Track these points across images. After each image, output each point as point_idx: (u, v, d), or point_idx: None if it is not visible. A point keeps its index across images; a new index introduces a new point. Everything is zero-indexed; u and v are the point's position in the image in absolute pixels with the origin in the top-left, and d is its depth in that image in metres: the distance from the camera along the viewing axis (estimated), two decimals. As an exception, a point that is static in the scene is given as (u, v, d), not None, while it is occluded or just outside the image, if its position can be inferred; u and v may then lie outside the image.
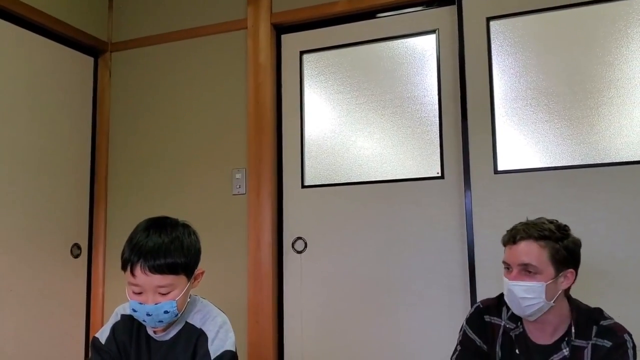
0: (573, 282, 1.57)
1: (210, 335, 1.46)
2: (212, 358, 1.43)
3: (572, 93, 2.36)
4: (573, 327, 1.52)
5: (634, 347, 1.47)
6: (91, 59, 3.17)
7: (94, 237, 3.10)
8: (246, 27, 2.89)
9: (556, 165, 2.34)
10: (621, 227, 2.22)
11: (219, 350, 1.44)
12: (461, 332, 1.68)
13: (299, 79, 2.85)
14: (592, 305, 2.17)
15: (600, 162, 2.28)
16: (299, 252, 2.73)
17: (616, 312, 2.16)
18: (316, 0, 2.79)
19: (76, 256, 2.98)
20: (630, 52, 2.29)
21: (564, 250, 1.52)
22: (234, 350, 1.47)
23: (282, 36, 2.91)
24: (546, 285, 1.50)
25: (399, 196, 2.58)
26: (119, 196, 3.11)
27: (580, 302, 1.60)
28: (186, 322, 1.50)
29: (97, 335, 1.56)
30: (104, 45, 3.19)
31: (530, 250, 1.52)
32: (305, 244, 2.73)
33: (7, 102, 2.66)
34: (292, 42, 2.89)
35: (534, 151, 2.39)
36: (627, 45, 2.30)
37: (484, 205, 2.39)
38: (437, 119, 2.57)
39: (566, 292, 1.58)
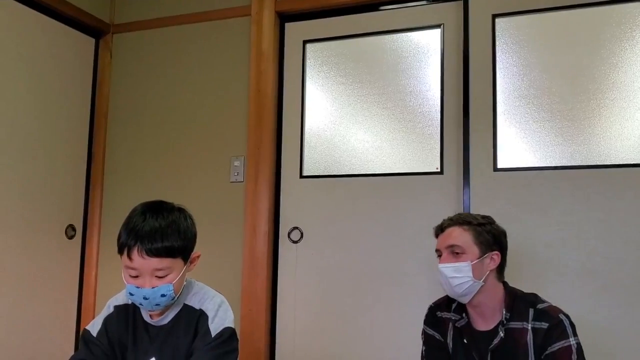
0: (502, 266, 1.68)
1: (210, 314, 1.47)
2: (212, 335, 1.44)
3: (575, 93, 2.35)
4: (504, 310, 1.62)
5: (572, 324, 1.56)
6: (92, 40, 3.15)
7: (89, 219, 3.08)
8: (250, 14, 2.87)
9: (555, 165, 2.34)
10: (617, 229, 2.22)
11: (219, 327, 1.45)
12: (423, 334, 1.81)
13: (301, 69, 2.83)
14: (586, 305, 2.19)
15: (599, 164, 2.28)
16: (295, 242, 2.73)
17: (609, 314, 2.18)
18: (321, -10, 2.77)
19: (71, 237, 2.97)
20: (635, 55, 2.29)
21: (486, 233, 1.66)
22: (233, 327, 1.48)
23: (286, 24, 2.89)
24: (472, 264, 1.62)
25: (397, 190, 2.58)
26: (115, 179, 3.09)
27: (517, 289, 1.69)
28: (184, 304, 1.50)
29: (87, 327, 1.55)
30: (106, 26, 3.16)
31: (455, 233, 1.67)
32: (302, 234, 2.72)
33: (6, 80, 2.64)
34: (295, 31, 2.88)
35: (534, 150, 2.38)
36: (631, 47, 2.30)
37: (482, 203, 2.39)
38: (439, 114, 2.56)
39: (498, 277, 1.68)
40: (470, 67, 2.49)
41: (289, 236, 2.75)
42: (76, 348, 2.90)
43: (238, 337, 1.51)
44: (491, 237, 1.66)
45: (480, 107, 2.45)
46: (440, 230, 1.73)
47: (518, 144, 2.41)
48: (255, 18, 2.86)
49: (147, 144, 3.04)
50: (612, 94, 2.30)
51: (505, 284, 1.69)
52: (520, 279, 2.28)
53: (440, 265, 1.67)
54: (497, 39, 2.48)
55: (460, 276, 1.62)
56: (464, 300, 1.66)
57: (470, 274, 1.61)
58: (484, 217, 1.72)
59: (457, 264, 1.63)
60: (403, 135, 2.62)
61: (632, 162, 2.24)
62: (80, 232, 3.04)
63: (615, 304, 2.19)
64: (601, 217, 2.25)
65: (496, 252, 1.66)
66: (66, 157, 2.96)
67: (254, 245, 2.72)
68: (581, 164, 2.30)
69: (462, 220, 1.69)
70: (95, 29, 3.13)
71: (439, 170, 2.53)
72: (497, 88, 2.45)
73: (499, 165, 2.41)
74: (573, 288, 2.24)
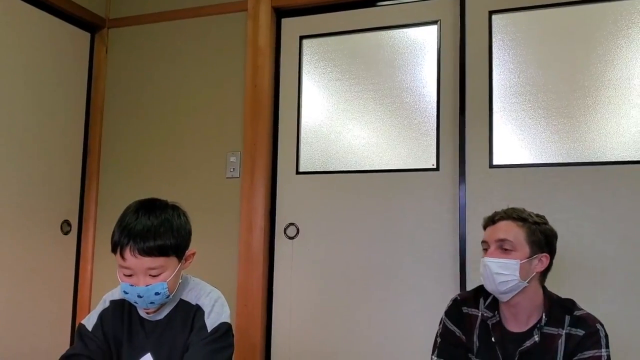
0: (548, 268, 1.62)
1: (206, 310, 1.47)
2: (208, 330, 1.44)
3: (571, 91, 2.36)
4: (544, 315, 1.57)
5: (606, 335, 1.53)
6: (88, 35, 3.13)
7: (84, 215, 3.08)
8: (246, 9, 2.86)
9: (551, 162, 2.34)
10: (612, 226, 2.23)
11: (215, 322, 1.45)
12: (441, 325, 1.73)
13: (297, 64, 2.83)
14: (583, 302, 2.19)
15: (595, 161, 2.29)
16: (291, 238, 2.73)
17: (605, 310, 2.18)
18: (318, -15, 2.76)
19: (66, 233, 2.96)
20: (631, 52, 2.29)
21: (540, 233, 1.59)
22: (229, 322, 1.49)
23: (282, 20, 2.88)
24: (520, 263, 1.55)
25: (393, 186, 2.58)
26: (111, 174, 3.09)
27: (554, 294, 1.65)
28: (180, 299, 1.50)
29: (83, 322, 1.54)
30: (102, 21, 3.15)
31: (507, 228, 1.59)
32: (298, 230, 2.72)
33: (1, 75, 2.62)
34: (292, 26, 2.87)
35: (529, 147, 2.39)
36: (627, 45, 2.30)
37: (478, 199, 2.40)
38: (435, 110, 2.56)
39: (541, 280, 1.62)
40: (467, 63, 2.49)
41: (285, 232, 2.75)
42: (72, 342, 2.90)
43: (234, 332, 1.51)
44: (543, 238, 1.60)
45: (477, 103, 2.46)
46: (491, 222, 1.64)
47: (514, 140, 2.41)
48: (251, 13, 2.85)
49: (143, 140, 3.03)
50: (607, 91, 2.31)
51: (544, 288, 1.64)
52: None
53: (487, 259, 1.58)
54: (493, 35, 2.48)
55: (506, 273, 1.54)
56: (503, 298, 1.59)
57: (517, 273, 1.54)
58: (538, 215, 1.64)
59: (505, 261, 1.55)
60: (399, 131, 2.62)
61: (627, 160, 2.25)
62: (76, 227, 3.03)
63: (610, 301, 2.20)
64: (596, 214, 2.25)
65: (545, 254, 1.60)
66: (62, 153, 2.95)
67: (250, 241, 2.72)
68: (577, 161, 2.31)
69: (516, 215, 1.60)
70: (90, 24, 3.12)
71: (434, 166, 2.53)
72: (493, 85, 2.46)
73: (495, 162, 2.41)
74: (567, 285, 2.25)
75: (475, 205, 2.39)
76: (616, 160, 2.26)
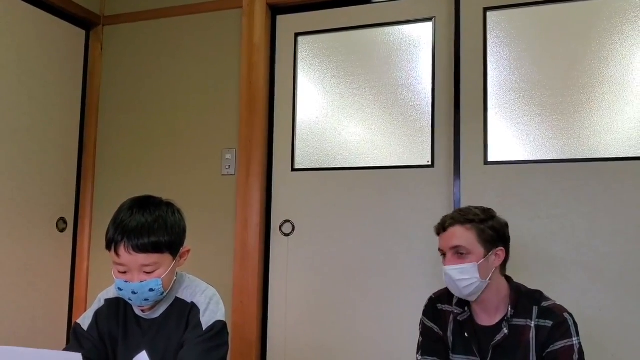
0: (506, 260, 1.67)
1: (201, 308, 1.47)
2: (203, 328, 1.44)
3: (565, 87, 2.36)
4: (510, 307, 1.61)
5: (575, 324, 1.57)
6: (83, 32, 3.12)
7: (80, 212, 3.07)
8: (241, 6, 2.86)
9: (545, 158, 2.35)
10: (606, 223, 2.24)
11: (210, 320, 1.45)
12: (421, 324, 1.79)
13: (292, 61, 2.83)
14: (577, 297, 2.21)
15: (589, 157, 2.30)
16: (286, 235, 2.74)
17: (597, 305, 2.20)
18: (313, -18, 2.76)
19: (62, 230, 2.96)
20: (625, 49, 2.30)
21: (489, 230, 1.63)
22: (224, 320, 1.49)
23: (278, 17, 2.88)
24: (478, 265, 1.60)
25: (388, 183, 2.59)
26: (106, 171, 3.08)
27: (521, 284, 1.69)
28: (176, 297, 1.51)
29: (78, 321, 1.54)
30: (97, 18, 3.14)
31: (459, 234, 1.63)
32: (293, 227, 2.73)
33: (-4, 71, 2.62)
34: (287, 23, 2.87)
35: (524, 144, 2.40)
36: (621, 41, 2.31)
37: (473, 196, 2.40)
38: (430, 107, 2.57)
39: (502, 271, 1.67)
40: (462, 60, 2.49)
41: (280, 229, 2.75)
42: (68, 341, 2.90)
43: (229, 330, 1.51)
44: (494, 233, 1.64)
45: (472, 100, 2.46)
46: (442, 229, 1.68)
47: (508, 137, 2.42)
48: (246, 10, 2.84)
49: (139, 137, 3.03)
50: (602, 88, 2.31)
51: (509, 278, 1.69)
52: (510, 272, 2.30)
53: (447, 268, 1.63)
54: (488, 32, 2.49)
55: (467, 278, 1.59)
56: (471, 298, 1.64)
57: (477, 275, 1.59)
58: (484, 211, 1.68)
59: (463, 266, 1.60)
60: (394, 128, 2.62)
61: (621, 156, 2.26)
62: (72, 225, 3.03)
63: (603, 296, 2.21)
64: (590, 210, 2.26)
65: (500, 248, 1.64)
66: (57, 150, 2.95)
67: (245, 238, 2.72)
68: (571, 158, 2.32)
69: (463, 218, 1.64)
70: (85, 21, 3.11)
71: (430, 163, 2.54)
72: (488, 81, 2.46)
73: (490, 159, 2.42)
74: (562, 280, 2.26)
75: (470, 202, 2.39)
76: (610, 156, 2.27)
